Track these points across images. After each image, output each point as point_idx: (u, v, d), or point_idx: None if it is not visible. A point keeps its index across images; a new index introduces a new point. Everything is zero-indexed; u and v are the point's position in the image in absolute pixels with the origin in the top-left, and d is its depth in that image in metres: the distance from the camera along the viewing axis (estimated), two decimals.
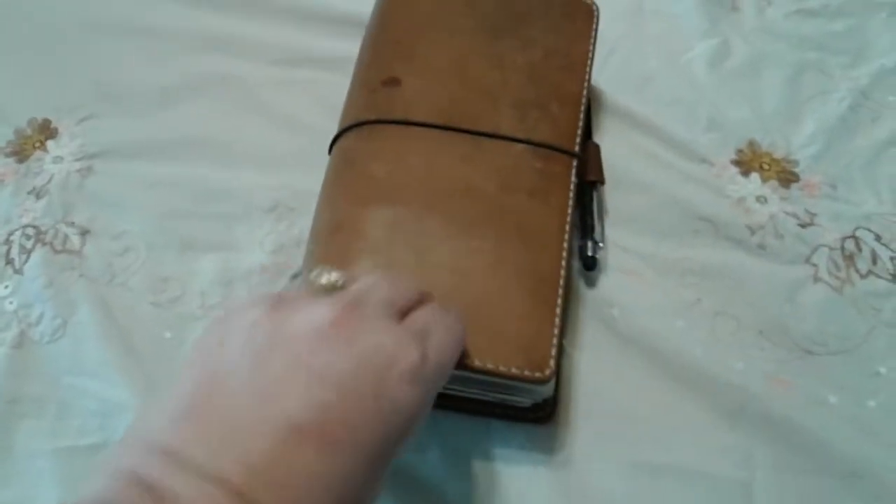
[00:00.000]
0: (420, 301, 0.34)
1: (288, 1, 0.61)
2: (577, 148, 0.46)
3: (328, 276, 0.33)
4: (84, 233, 0.49)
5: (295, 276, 0.46)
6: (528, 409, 0.42)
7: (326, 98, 0.50)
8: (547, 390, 0.40)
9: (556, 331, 0.39)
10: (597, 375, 0.44)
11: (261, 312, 0.29)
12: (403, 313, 0.32)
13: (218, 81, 0.56)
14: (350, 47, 0.51)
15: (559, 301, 0.40)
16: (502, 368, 0.38)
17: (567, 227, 0.43)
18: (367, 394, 0.28)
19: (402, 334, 0.30)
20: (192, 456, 0.25)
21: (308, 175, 0.46)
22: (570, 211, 0.44)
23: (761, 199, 0.51)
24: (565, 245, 0.42)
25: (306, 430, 0.26)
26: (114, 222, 0.49)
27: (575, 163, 0.45)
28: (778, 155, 0.54)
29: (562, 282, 0.41)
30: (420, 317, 0.32)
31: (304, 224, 0.46)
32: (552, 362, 0.38)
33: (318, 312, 0.29)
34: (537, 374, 0.38)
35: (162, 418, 0.27)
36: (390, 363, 0.29)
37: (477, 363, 0.38)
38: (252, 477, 0.25)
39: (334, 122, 0.48)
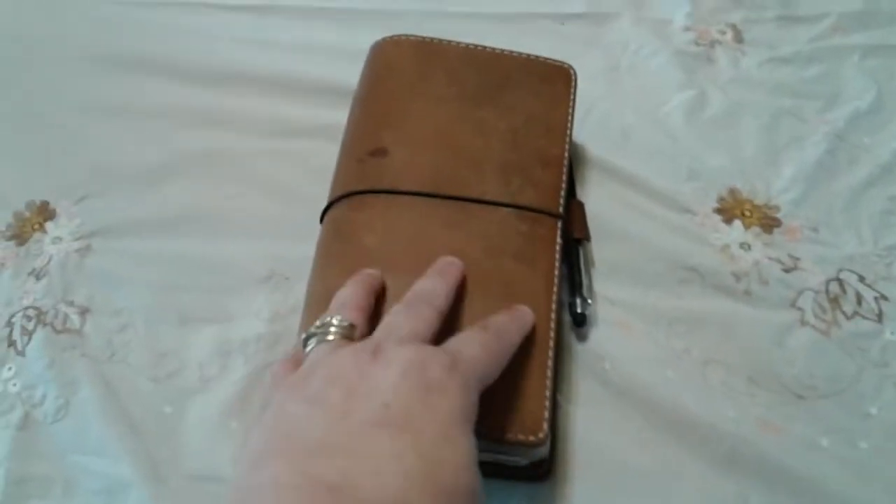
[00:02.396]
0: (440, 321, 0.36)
1: (276, 74, 0.63)
2: (560, 209, 0.47)
3: (335, 323, 0.35)
4: (84, 311, 0.50)
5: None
6: (525, 467, 0.42)
7: (317, 167, 0.52)
8: (542, 451, 0.41)
9: (548, 393, 0.40)
10: (593, 429, 0.45)
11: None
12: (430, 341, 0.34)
13: (210, 156, 0.58)
14: (338, 115, 0.52)
15: (550, 363, 0.41)
16: (494, 434, 0.38)
17: (555, 290, 0.44)
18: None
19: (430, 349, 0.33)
20: (281, 480, 0.28)
21: (301, 243, 0.47)
22: (556, 272, 0.45)
23: (745, 246, 0.52)
24: (553, 307, 0.43)
25: (382, 424, 0.29)
26: (112, 299, 0.50)
27: (560, 223, 0.46)
28: (759, 201, 0.55)
29: (552, 343, 0.42)
30: (451, 343, 0.34)
31: (299, 292, 0.47)
32: (545, 425, 0.39)
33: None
34: (531, 438, 0.38)
35: (242, 472, 0.29)
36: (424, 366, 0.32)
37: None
38: (341, 474, 0.27)
39: (325, 189, 0.49)
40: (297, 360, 0.36)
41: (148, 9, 0.69)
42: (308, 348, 0.35)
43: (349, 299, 0.38)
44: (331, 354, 0.33)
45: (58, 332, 0.49)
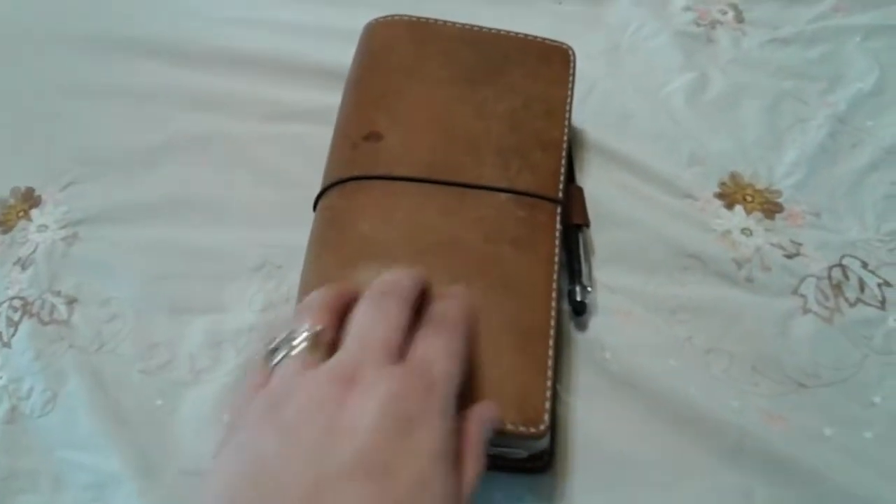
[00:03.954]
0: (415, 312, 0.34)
1: (268, 54, 0.61)
2: (560, 194, 0.46)
3: (306, 335, 0.32)
4: (71, 302, 0.49)
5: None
6: (526, 459, 0.41)
7: (312, 151, 0.50)
8: (543, 443, 0.40)
9: (548, 383, 0.39)
10: (593, 420, 0.44)
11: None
12: (402, 346, 0.32)
13: (200, 140, 0.57)
14: (333, 97, 0.51)
15: (550, 353, 0.40)
16: (496, 426, 0.37)
17: (554, 276, 0.43)
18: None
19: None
20: None
21: (296, 231, 0.46)
22: (556, 259, 0.44)
23: (746, 232, 0.52)
24: (553, 294, 0.42)
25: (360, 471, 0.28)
26: (100, 289, 0.49)
27: (559, 209, 0.45)
28: (760, 186, 0.54)
29: (552, 332, 0.41)
30: (419, 350, 0.33)
31: (292, 281, 0.46)
32: (546, 416, 0.38)
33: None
34: (532, 430, 0.38)
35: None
36: (403, 398, 0.30)
37: None
38: None
39: (319, 174, 0.48)
40: (263, 375, 0.33)
41: None
42: (274, 361, 0.32)
43: (315, 301, 0.35)
44: (304, 377, 0.31)
45: (44, 323, 0.48)
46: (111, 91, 0.60)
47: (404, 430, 0.29)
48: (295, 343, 0.32)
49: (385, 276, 0.35)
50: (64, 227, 0.52)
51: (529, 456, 0.41)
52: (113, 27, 0.64)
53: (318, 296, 0.35)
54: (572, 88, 0.51)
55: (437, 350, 0.33)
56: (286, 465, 0.28)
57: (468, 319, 0.35)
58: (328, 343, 0.33)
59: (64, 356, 0.47)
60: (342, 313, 0.34)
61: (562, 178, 0.47)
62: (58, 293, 0.49)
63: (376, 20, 0.53)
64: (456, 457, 0.31)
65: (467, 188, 0.45)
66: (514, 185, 0.45)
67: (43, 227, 0.52)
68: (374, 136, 0.47)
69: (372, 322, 0.33)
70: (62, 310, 0.48)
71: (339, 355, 0.31)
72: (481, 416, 0.34)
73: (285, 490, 0.27)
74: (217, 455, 0.30)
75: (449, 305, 0.35)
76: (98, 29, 0.64)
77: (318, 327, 0.33)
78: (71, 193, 0.54)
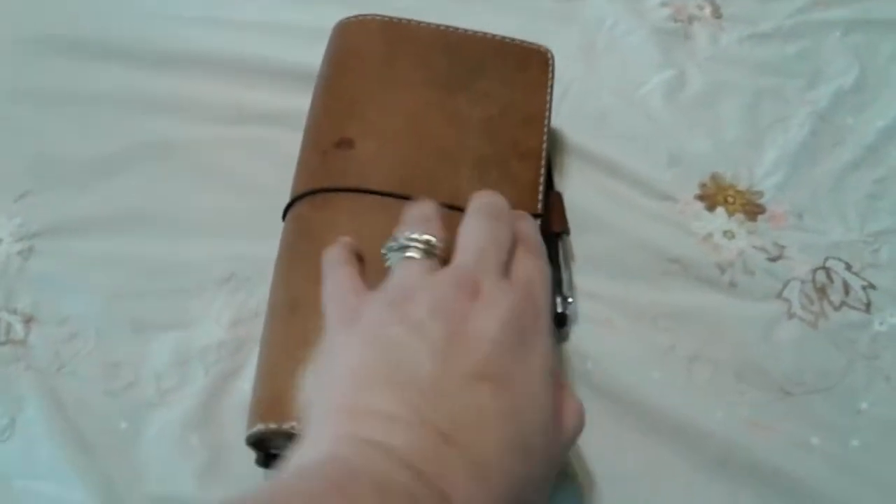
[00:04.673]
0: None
1: (233, 55, 0.59)
2: (539, 208, 0.44)
3: (419, 239, 0.35)
4: (28, 320, 0.47)
5: None
6: None
7: (279, 156, 0.48)
8: None
9: None
10: None
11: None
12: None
13: (163, 146, 0.54)
14: (301, 101, 0.49)
15: None
16: None
17: None
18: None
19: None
20: (396, 413, 0.28)
21: (263, 241, 0.44)
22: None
23: (728, 234, 0.51)
24: None
25: (484, 377, 0.30)
26: (59, 306, 0.47)
27: (538, 221, 0.44)
28: (742, 186, 0.53)
29: None
30: (521, 271, 0.35)
31: (261, 294, 0.44)
32: None
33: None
34: None
35: (349, 390, 0.30)
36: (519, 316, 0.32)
37: None
38: (450, 422, 0.28)
39: (288, 181, 0.46)
40: (360, 276, 0.36)
41: None
42: (388, 262, 0.35)
43: (432, 215, 0.37)
44: (430, 278, 0.33)
45: (0, 343, 0.46)
46: (65, 96, 0.57)
47: (520, 345, 0.31)
48: (412, 246, 0.35)
49: (483, 198, 0.38)
50: (19, 240, 0.50)
51: None
52: (65, 28, 0.61)
53: (425, 208, 0.38)
54: (551, 94, 0.49)
55: (534, 271, 0.35)
56: (416, 355, 0.30)
57: (542, 241, 0.38)
58: (441, 255, 0.35)
59: (21, 379, 0.44)
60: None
61: (541, 188, 0.45)
62: (13, 311, 0.47)
63: (347, 19, 0.51)
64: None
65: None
66: None
67: None
68: (345, 144, 0.45)
69: (484, 238, 0.35)
70: (18, 329, 0.46)
71: (459, 264, 0.34)
72: None
73: (415, 376, 0.29)
74: (333, 335, 0.33)
75: (528, 227, 0.38)
76: (49, 30, 0.61)
77: (438, 242, 0.35)
78: (26, 205, 0.51)
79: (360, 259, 0.38)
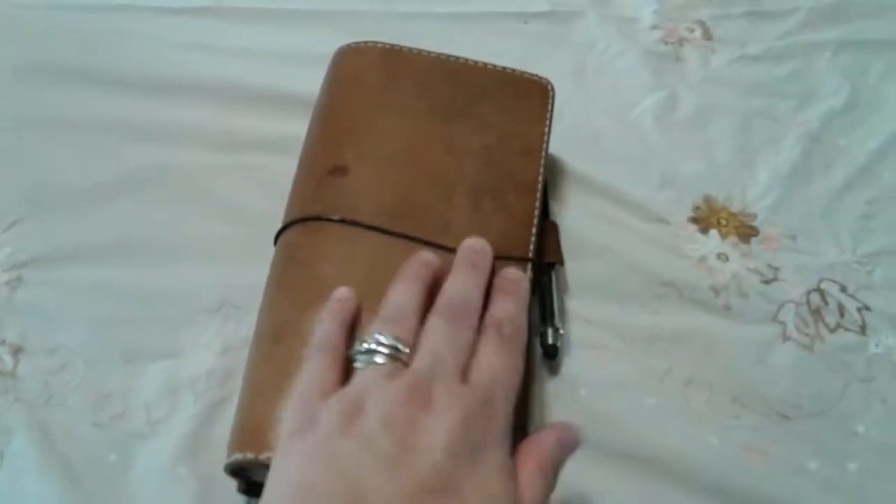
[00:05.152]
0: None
1: (227, 82, 0.59)
2: (531, 251, 0.44)
3: (384, 345, 0.35)
4: (16, 351, 0.46)
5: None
6: None
7: (273, 183, 0.48)
8: None
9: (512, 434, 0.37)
10: (569, 462, 0.42)
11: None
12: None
13: (155, 173, 0.54)
14: (297, 127, 0.49)
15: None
16: None
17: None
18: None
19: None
20: None
21: (255, 269, 0.44)
22: (525, 305, 0.42)
23: (722, 257, 0.50)
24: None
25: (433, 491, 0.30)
26: (48, 336, 0.46)
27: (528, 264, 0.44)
28: (735, 209, 0.53)
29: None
30: (483, 369, 0.35)
31: (252, 322, 0.43)
32: None
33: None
34: None
35: None
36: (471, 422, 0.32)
37: None
38: None
39: (282, 208, 0.46)
40: (333, 372, 0.35)
41: (81, 13, 0.64)
42: (357, 364, 0.35)
43: (408, 310, 0.37)
44: (383, 388, 0.33)
45: None
46: (56, 123, 0.57)
47: (471, 453, 0.31)
48: (380, 351, 0.35)
49: (453, 290, 0.38)
50: (8, 269, 0.49)
51: None
52: (55, 55, 0.61)
53: (405, 303, 0.37)
54: (550, 125, 0.49)
55: (497, 366, 0.35)
56: (366, 470, 0.30)
57: (523, 325, 0.37)
58: (405, 358, 0.35)
59: (9, 411, 0.44)
60: (424, 311, 0.37)
61: (535, 221, 0.45)
62: (2, 342, 0.46)
63: (347, 46, 0.51)
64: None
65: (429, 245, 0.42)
66: (484, 233, 0.42)
67: None
68: (339, 171, 0.45)
69: (443, 342, 0.35)
70: (7, 360, 0.46)
71: (416, 369, 0.34)
72: (558, 438, 0.35)
73: (362, 493, 0.29)
74: (285, 446, 0.33)
75: (508, 308, 0.37)
76: (39, 57, 0.61)
77: (404, 347, 0.35)
78: (15, 234, 0.51)
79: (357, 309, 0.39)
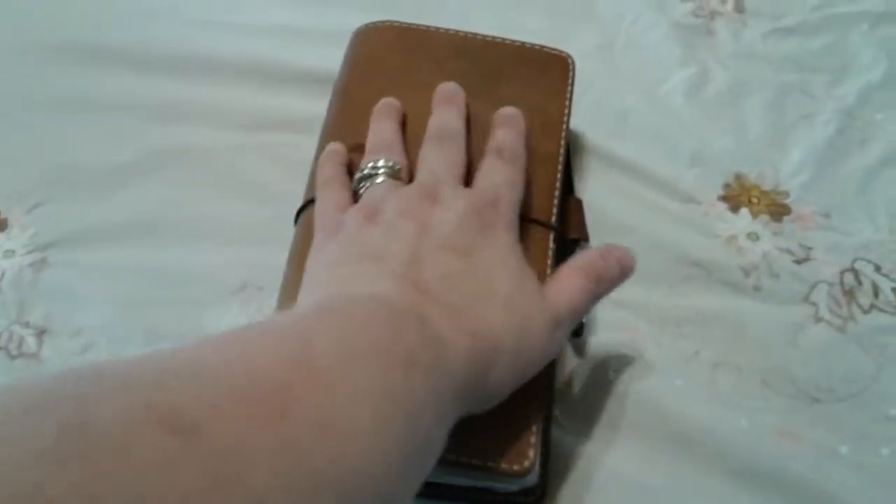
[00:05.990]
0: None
1: (248, 60, 0.58)
2: (554, 217, 0.43)
3: (384, 165, 0.40)
4: (41, 333, 0.46)
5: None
6: (517, 493, 0.39)
7: (295, 162, 0.47)
8: (530, 479, 0.37)
9: (537, 414, 0.37)
10: (594, 445, 0.42)
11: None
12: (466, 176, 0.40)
13: (177, 153, 0.53)
14: (318, 106, 0.49)
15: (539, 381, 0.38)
16: (476, 462, 0.35)
17: None
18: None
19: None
20: (375, 274, 0.33)
21: (278, 249, 0.43)
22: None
23: (753, 237, 0.49)
24: None
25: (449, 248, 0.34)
26: (72, 318, 0.46)
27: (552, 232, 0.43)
28: (767, 187, 0.51)
29: None
30: (483, 181, 0.39)
31: (274, 304, 0.43)
32: (532, 453, 0.36)
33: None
34: (515, 468, 0.35)
35: (334, 267, 0.35)
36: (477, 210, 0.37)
37: (448, 455, 0.35)
38: (423, 279, 0.33)
39: (304, 187, 0.45)
40: (343, 198, 0.40)
41: None
42: (361, 190, 0.40)
43: (391, 139, 0.42)
44: (395, 192, 0.38)
45: (12, 357, 0.45)
46: (76, 104, 0.56)
47: (480, 229, 0.36)
48: (378, 173, 0.40)
49: (436, 121, 0.43)
50: (32, 251, 0.49)
51: (521, 490, 0.39)
52: (76, 34, 0.61)
53: (388, 133, 0.43)
54: (570, 99, 0.48)
55: (499, 181, 0.39)
56: (389, 243, 0.34)
57: (523, 147, 0.42)
58: (405, 177, 0.40)
59: None
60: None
61: (557, 193, 0.44)
62: (26, 324, 0.46)
63: (366, 26, 0.51)
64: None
65: None
66: None
67: (10, 253, 0.49)
68: (359, 149, 0.44)
69: (438, 160, 0.40)
70: (31, 342, 0.46)
71: (418, 181, 0.39)
72: (606, 251, 0.39)
73: (390, 254, 0.33)
74: (316, 249, 0.38)
75: (507, 135, 0.42)
76: (59, 37, 0.61)
77: (397, 165, 0.40)
78: (39, 215, 0.51)
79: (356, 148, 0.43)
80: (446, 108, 0.43)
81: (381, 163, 0.40)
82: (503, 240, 0.36)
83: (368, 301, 0.30)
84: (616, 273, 0.38)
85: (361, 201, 0.38)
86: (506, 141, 0.41)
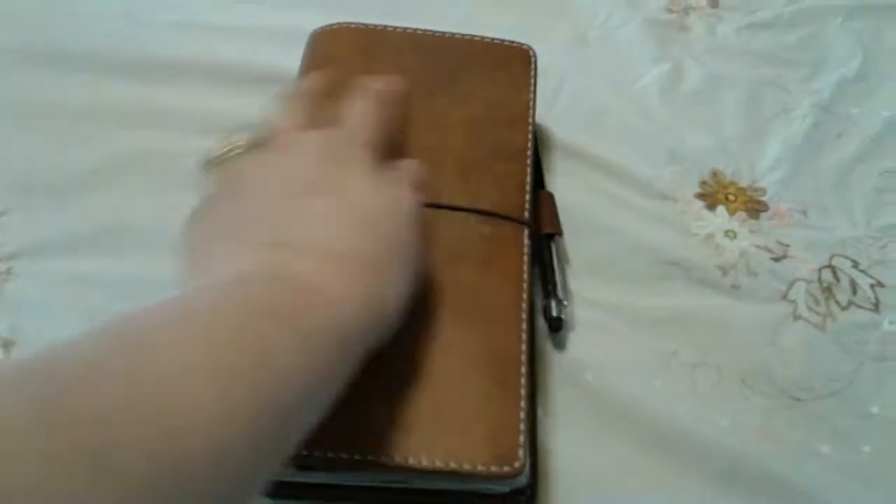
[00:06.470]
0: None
1: (211, 63, 0.57)
2: (526, 213, 0.43)
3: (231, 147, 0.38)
4: (7, 345, 0.45)
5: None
6: (507, 494, 0.39)
7: None
8: (521, 480, 0.37)
9: (522, 416, 0.36)
10: (576, 447, 0.41)
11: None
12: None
13: (144, 158, 0.52)
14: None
15: (523, 381, 0.37)
16: (466, 467, 0.35)
17: (524, 296, 0.40)
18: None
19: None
20: (239, 252, 0.32)
21: None
22: (526, 276, 0.41)
23: (730, 234, 0.49)
24: (524, 316, 0.39)
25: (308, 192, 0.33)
26: (40, 330, 0.45)
27: (527, 222, 0.42)
28: (743, 184, 0.51)
29: (524, 358, 0.38)
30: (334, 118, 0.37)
31: None
32: (521, 452, 0.35)
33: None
34: (505, 469, 0.35)
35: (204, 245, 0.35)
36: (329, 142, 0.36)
37: (438, 463, 0.34)
38: (291, 236, 0.32)
39: None
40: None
41: None
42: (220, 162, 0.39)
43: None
44: (241, 162, 0.37)
45: None
46: (37, 110, 0.55)
47: (335, 163, 0.35)
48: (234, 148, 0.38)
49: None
50: None
51: (511, 491, 0.38)
52: (34, 38, 0.59)
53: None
54: (534, 91, 0.48)
55: (350, 113, 0.37)
56: (252, 211, 0.33)
57: (391, 91, 0.39)
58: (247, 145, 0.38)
59: None
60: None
61: (528, 188, 0.44)
62: None
63: (321, 28, 0.50)
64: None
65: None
66: (475, 203, 0.42)
67: None
68: None
69: (277, 119, 0.38)
70: None
71: (266, 144, 0.37)
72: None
73: (252, 227, 0.33)
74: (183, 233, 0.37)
75: (373, 82, 0.39)
76: (18, 40, 0.59)
77: (236, 143, 0.38)
78: (3, 225, 0.49)
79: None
80: (320, 76, 0.42)
81: (226, 148, 0.39)
82: (362, 165, 0.35)
83: (224, 298, 0.30)
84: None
85: (221, 181, 0.38)
86: (367, 84, 0.40)
